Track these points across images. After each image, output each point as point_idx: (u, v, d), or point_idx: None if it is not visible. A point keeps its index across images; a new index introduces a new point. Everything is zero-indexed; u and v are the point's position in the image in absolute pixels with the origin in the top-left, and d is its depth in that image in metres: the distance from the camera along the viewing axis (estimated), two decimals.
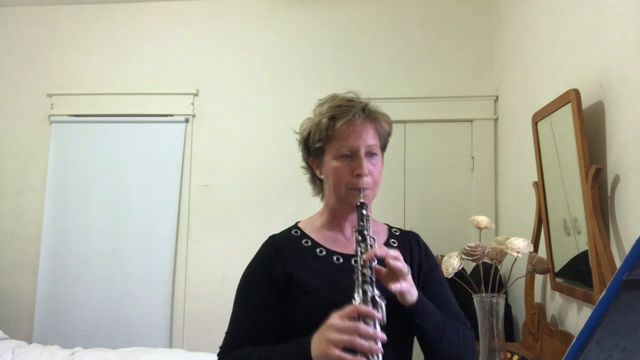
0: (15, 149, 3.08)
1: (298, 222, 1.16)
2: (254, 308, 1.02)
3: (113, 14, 3.11)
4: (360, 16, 2.94)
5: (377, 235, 1.08)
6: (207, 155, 2.96)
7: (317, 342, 0.86)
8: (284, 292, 1.01)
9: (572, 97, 1.46)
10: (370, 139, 1.03)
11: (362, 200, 1.00)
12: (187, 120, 2.99)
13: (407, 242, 1.14)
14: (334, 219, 1.11)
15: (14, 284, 2.96)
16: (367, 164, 1.02)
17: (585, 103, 1.47)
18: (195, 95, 3.01)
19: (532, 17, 2.14)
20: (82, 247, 2.89)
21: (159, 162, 2.94)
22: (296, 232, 1.11)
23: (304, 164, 1.16)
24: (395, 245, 1.11)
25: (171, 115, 3.00)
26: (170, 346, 2.77)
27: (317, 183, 1.15)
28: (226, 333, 1.03)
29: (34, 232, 2.97)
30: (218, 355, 1.02)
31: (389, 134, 1.11)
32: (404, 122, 2.77)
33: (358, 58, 2.89)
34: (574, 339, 0.32)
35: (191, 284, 2.87)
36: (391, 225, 1.19)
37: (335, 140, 1.03)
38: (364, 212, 0.99)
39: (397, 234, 1.16)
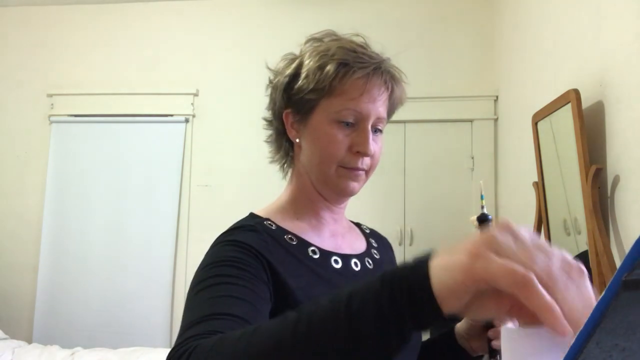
0: (15, 149, 3.08)
1: (252, 212, 0.83)
2: (247, 292, 0.62)
3: (113, 14, 3.11)
4: (360, 16, 2.93)
5: (353, 234, 0.90)
6: (207, 155, 2.96)
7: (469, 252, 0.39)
8: (276, 306, 0.66)
9: (572, 97, 1.46)
10: (383, 108, 0.78)
11: (484, 210, 0.72)
12: (187, 120, 2.98)
13: (382, 244, 0.95)
14: (309, 205, 0.81)
15: (14, 284, 2.96)
16: (372, 141, 0.76)
17: (585, 103, 1.47)
18: (195, 95, 3.01)
19: (532, 17, 2.14)
20: (82, 247, 2.89)
21: (159, 162, 2.94)
22: (270, 224, 0.76)
23: (268, 114, 0.85)
24: (376, 246, 0.91)
25: (171, 115, 3.00)
26: (171, 346, 2.77)
27: (283, 146, 0.84)
28: (186, 328, 0.56)
29: (34, 232, 2.97)
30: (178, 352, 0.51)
31: (396, 109, 0.87)
32: (404, 122, 2.77)
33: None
34: (574, 339, 0.32)
35: None
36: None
37: (338, 96, 0.74)
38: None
39: (368, 232, 0.95)
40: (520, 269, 0.35)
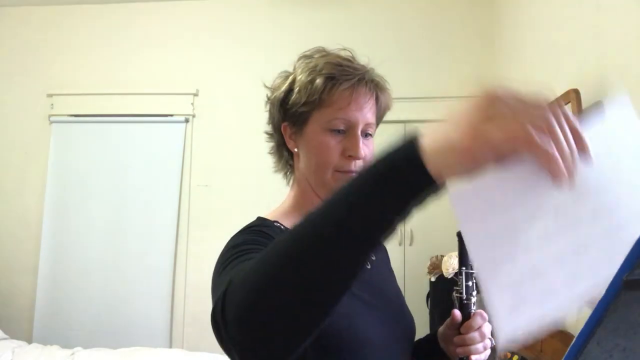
0: (15, 149, 3.08)
1: (260, 216, 0.87)
2: None
3: (113, 14, 3.11)
4: (360, 16, 2.94)
5: None
6: (207, 155, 2.96)
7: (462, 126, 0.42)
8: None
9: (572, 97, 1.46)
10: (370, 114, 0.83)
11: None
12: (187, 120, 2.99)
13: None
14: (311, 207, 0.91)
15: (14, 284, 2.96)
16: (362, 145, 0.81)
17: (585, 103, 1.47)
18: (195, 95, 3.01)
19: (532, 17, 2.14)
20: (82, 247, 2.89)
21: (159, 162, 2.94)
22: (279, 225, 0.83)
23: (269, 128, 0.91)
24: None
25: (171, 115, 3.00)
26: (170, 346, 2.77)
27: (284, 156, 0.91)
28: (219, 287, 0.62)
29: (34, 232, 2.97)
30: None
31: (384, 115, 0.91)
32: (404, 122, 2.76)
33: (358, 58, 2.89)
34: (574, 339, 0.32)
35: (191, 284, 2.87)
36: None
37: (328, 107, 0.80)
38: None
39: None
40: (519, 132, 0.39)
